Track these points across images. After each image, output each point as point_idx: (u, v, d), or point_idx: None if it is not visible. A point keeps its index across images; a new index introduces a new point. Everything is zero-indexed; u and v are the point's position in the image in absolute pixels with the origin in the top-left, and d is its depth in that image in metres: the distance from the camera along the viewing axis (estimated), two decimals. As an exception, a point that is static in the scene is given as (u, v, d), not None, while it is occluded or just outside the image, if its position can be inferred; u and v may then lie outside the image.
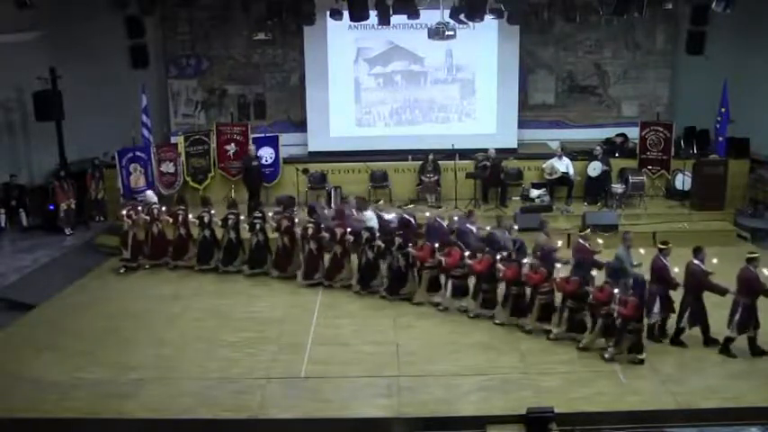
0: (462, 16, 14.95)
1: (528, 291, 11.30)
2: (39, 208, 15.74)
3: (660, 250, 10.66)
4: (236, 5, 17.01)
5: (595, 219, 15.06)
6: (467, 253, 11.73)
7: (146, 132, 16.27)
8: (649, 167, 16.57)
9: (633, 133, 17.27)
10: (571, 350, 10.63)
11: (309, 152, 18.23)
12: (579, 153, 16.86)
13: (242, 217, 13.74)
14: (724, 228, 15.09)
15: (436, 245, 12.02)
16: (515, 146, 18.06)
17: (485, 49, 17.83)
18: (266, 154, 16.63)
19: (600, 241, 12.06)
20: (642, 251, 11.47)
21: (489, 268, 11.52)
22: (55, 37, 15.86)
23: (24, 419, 9.23)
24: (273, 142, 16.84)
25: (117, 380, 10.01)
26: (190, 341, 11.15)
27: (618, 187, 16.06)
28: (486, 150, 16.39)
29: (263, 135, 17.16)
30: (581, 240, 11.48)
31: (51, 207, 15.34)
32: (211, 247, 13.76)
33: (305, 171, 16.59)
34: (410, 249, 12.20)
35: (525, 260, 11.41)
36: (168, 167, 16.33)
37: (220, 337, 11.23)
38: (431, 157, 16.42)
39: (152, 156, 16.13)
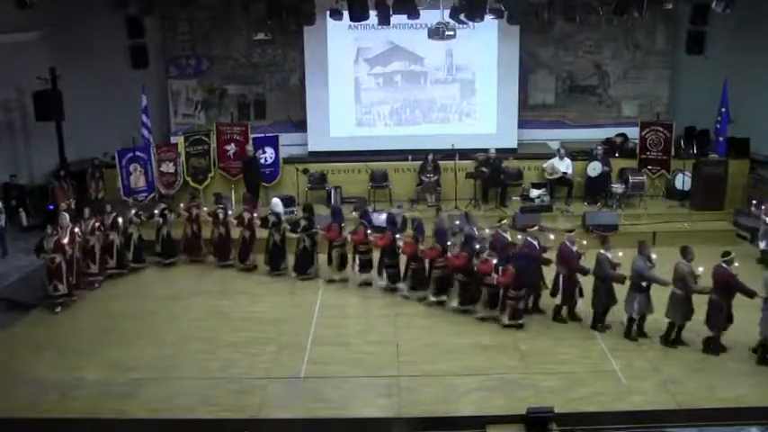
0: (462, 16, 14.94)
1: (426, 266, 12.29)
2: (39, 208, 15.73)
3: None
4: (236, 5, 16.97)
5: (595, 219, 15.07)
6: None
7: (146, 132, 16.27)
8: (649, 167, 16.56)
9: (633, 133, 17.26)
10: (571, 350, 10.65)
11: (309, 152, 18.22)
12: (579, 153, 16.83)
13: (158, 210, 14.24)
14: (724, 228, 15.08)
15: (342, 224, 13.06)
16: (515, 146, 18.05)
17: (485, 49, 17.82)
18: (266, 154, 16.63)
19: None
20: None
21: (391, 244, 12.54)
22: (55, 37, 15.86)
23: (24, 419, 9.24)
24: (273, 142, 16.84)
25: (117, 380, 10.03)
26: (190, 341, 11.16)
27: (618, 187, 16.04)
28: (486, 150, 16.39)
29: (263, 135, 17.15)
30: (724, 265, 10.26)
31: (51, 207, 15.33)
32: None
33: (305, 171, 16.60)
34: (317, 230, 13.19)
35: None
36: (168, 167, 16.32)
37: (220, 337, 11.25)
38: (431, 157, 16.40)
39: (152, 156, 16.12)
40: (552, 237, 12.30)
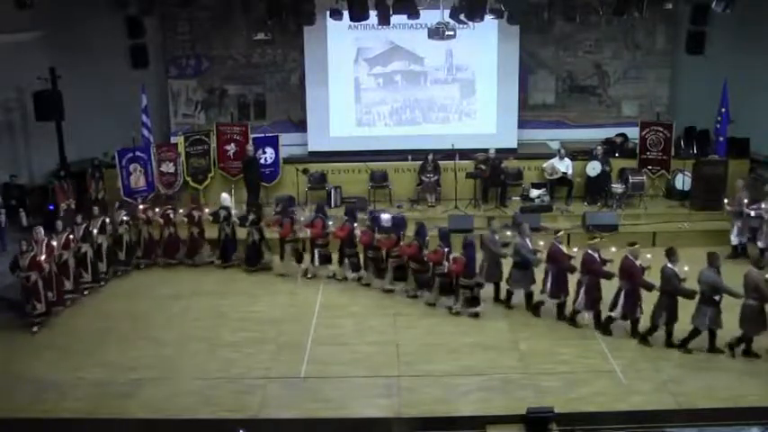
0: (462, 16, 14.93)
1: (383, 255, 12.73)
2: (39, 208, 15.72)
3: None
4: (236, 5, 16.98)
5: (595, 219, 15.06)
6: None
7: (146, 132, 16.27)
8: (649, 167, 16.56)
9: (633, 133, 17.25)
10: (571, 350, 10.65)
11: (309, 152, 18.22)
12: (579, 153, 16.83)
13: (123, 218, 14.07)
14: (724, 228, 15.01)
15: (302, 218, 13.62)
16: (515, 146, 18.04)
17: (485, 49, 17.81)
18: (266, 154, 16.64)
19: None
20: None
21: (349, 235, 12.96)
22: (55, 37, 15.85)
23: (24, 419, 9.24)
24: (273, 142, 16.84)
25: (117, 380, 10.03)
26: (190, 341, 11.17)
27: (618, 187, 16.04)
28: (486, 150, 16.39)
29: (263, 135, 17.15)
30: None
31: (51, 207, 15.33)
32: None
33: (305, 171, 16.60)
34: (268, 223, 13.76)
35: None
36: (168, 167, 16.32)
37: (220, 337, 11.25)
38: (431, 157, 16.40)
39: (152, 156, 16.13)
40: (614, 250, 11.40)
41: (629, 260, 10.72)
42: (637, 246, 10.91)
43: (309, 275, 13.47)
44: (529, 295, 11.87)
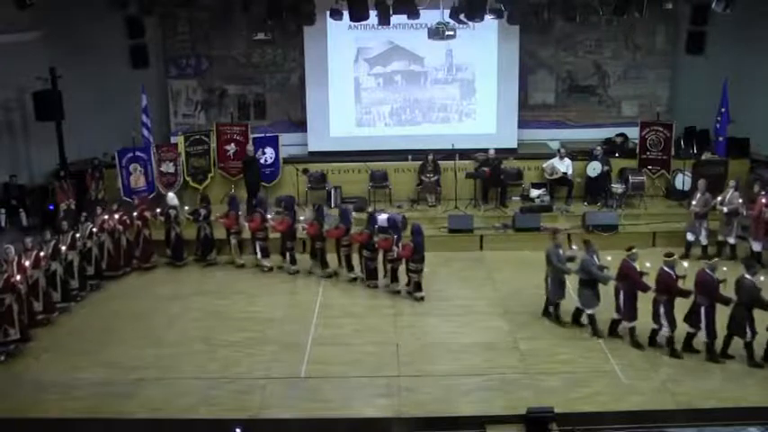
0: (462, 16, 14.94)
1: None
2: (39, 208, 15.72)
3: None
4: (236, 5, 16.93)
5: (595, 219, 15.06)
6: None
7: (146, 132, 16.27)
8: (649, 167, 16.56)
9: (633, 133, 17.25)
10: (571, 350, 10.65)
11: (309, 152, 18.22)
12: (579, 153, 16.83)
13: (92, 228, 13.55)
14: (723, 228, 15.06)
15: (240, 213, 14.11)
16: (515, 146, 18.03)
17: (485, 49, 17.81)
18: (266, 154, 16.64)
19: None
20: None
21: (290, 228, 13.45)
22: (55, 37, 15.84)
23: (24, 419, 9.25)
24: (273, 142, 16.84)
25: (117, 380, 10.04)
26: (190, 341, 11.17)
27: (618, 187, 16.04)
28: (486, 150, 16.39)
29: (263, 135, 17.15)
30: None
31: (51, 207, 15.33)
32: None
33: (305, 171, 16.60)
34: (216, 217, 14.12)
35: None
36: (168, 167, 16.33)
37: (220, 337, 11.26)
38: (431, 157, 16.40)
39: (152, 156, 16.13)
40: (686, 265, 10.83)
41: (707, 274, 10.18)
42: (715, 260, 10.49)
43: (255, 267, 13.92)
44: (592, 314, 11.15)
